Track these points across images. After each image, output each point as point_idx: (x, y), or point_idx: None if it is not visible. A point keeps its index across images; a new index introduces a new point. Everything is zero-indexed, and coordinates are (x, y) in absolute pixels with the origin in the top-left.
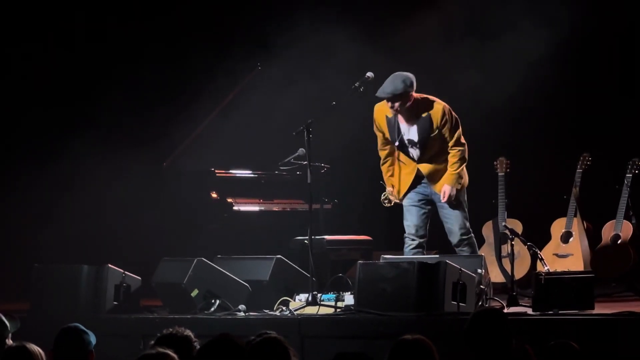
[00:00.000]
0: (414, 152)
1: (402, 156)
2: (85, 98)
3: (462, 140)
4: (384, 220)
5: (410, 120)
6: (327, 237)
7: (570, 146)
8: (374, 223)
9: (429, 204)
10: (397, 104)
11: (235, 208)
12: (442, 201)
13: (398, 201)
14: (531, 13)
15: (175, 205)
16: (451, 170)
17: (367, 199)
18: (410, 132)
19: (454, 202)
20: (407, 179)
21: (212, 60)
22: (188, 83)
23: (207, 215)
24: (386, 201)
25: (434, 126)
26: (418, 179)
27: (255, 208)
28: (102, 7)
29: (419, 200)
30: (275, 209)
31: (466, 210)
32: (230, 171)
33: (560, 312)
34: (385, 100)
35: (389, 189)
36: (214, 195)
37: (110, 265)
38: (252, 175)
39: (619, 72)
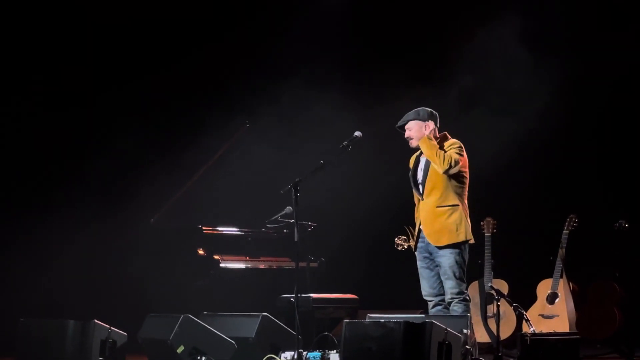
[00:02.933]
0: (420, 187)
1: (415, 195)
2: (73, 156)
3: (460, 163)
4: (370, 279)
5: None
6: (313, 295)
7: (557, 207)
8: (361, 282)
9: (434, 259)
10: (407, 132)
11: (222, 265)
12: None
13: (408, 246)
14: (514, 77)
15: (162, 262)
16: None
17: (354, 257)
18: (422, 165)
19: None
20: (417, 220)
21: (200, 118)
22: (176, 140)
23: (193, 272)
24: (398, 247)
25: None
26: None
27: (241, 265)
28: (95, 64)
29: (425, 259)
30: (261, 266)
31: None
32: (217, 228)
33: None
34: None
35: (403, 238)
36: (201, 252)
37: (96, 321)
38: (239, 233)
39: (603, 134)
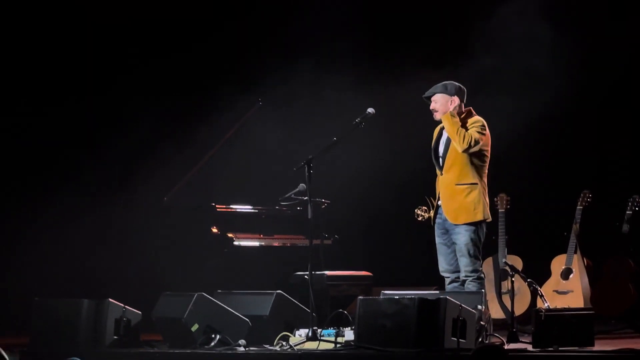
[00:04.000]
0: (440, 161)
1: (437, 170)
2: (88, 137)
3: (480, 142)
4: (384, 256)
5: None
6: (327, 272)
7: (571, 183)
8: (374, 259)
9: (451, 235)
10: (432, 104)
11: (235, 243)
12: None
13: (428, 217)
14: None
15: (175, 240)
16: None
17: (368, 234)
18: (444, 139)
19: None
20: (437, 192)
21: (214, 97)
22: (189, 119)
23: (207, 250)
24: (419, 217)
25: None
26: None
27: (255, 243)
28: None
29: (442, 235)
30: (275, 244)
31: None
32: (231, 206)
33: (560, 348)
34: None
35: (424, 208)
36: (215, 230)
37: (110, 300)
38: (253, 211)
39: (617, 109)
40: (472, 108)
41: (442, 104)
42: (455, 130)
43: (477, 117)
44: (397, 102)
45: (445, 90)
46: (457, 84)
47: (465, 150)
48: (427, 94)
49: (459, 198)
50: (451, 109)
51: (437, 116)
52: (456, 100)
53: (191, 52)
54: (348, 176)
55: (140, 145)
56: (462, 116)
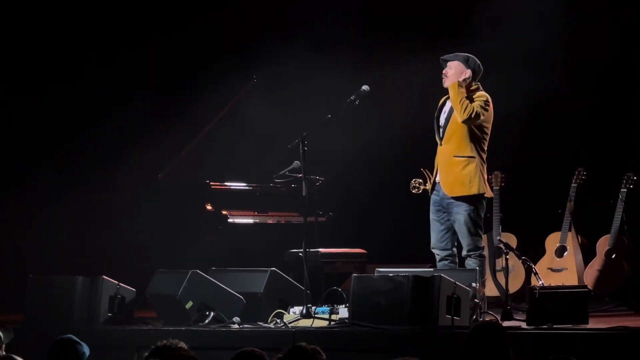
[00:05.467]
0: (441, 131)
1: (437, 140)
2: (81, 113)
3: (481, 117)
4: (378, 234)
5: None
6: (321, 250)
7: (565, 160)
8: (369, 236)
9: (448, 214)
10: (446, 69)
11: (230, 220)
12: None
13: (424, 189)
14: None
15: (170, 218)
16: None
17: (362, 211)
18: (447, 109)
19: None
20: (436, 164)
21: (208, 73)
22: (184, 95)
23: (201, 228)
24: (414, 189)
25: None
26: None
27: (249, 220)
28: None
29: (438, 211)
30: (269, 221)
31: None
32: (225, 183)
33: (554, 326)
34: None
35: (419, 181)
36: (209, 207)
37: (104, 277)
38: (247, 188)
39: (611, 86)
40: (480, 85)
41: (456, 72)
42: (459, 99)
43: (483, 92)
44: (394, 79)
45: (464, 61)
46: (478, 61)
47: (465, 121)
48: (446, 57)
49: (456, 170)
50: (460, 80)
51: (446, 83)
52: (469, 73)
53: (186, 31)
54: (343, 153)
55: (134, 123)
56: (470, 89)
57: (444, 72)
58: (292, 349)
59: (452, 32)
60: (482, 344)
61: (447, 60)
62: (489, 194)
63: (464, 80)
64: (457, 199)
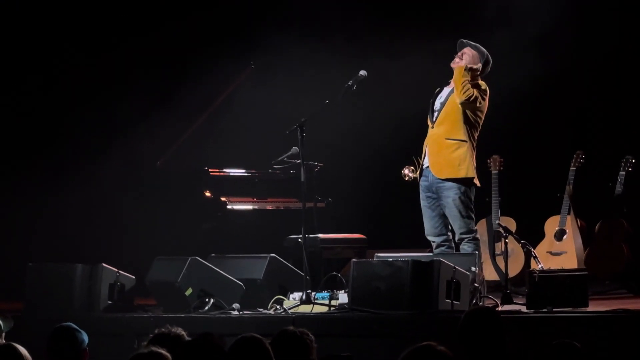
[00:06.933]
0: (435, 114)
1: (429, 123)
2: (80, 101)
3: (477, 104)
4: (378, 219)
5: (451, 86)
6: (321, 235)
7: (564, 144)
8: (368, 221)
9: (438, 198)
10: (460, 53)
11: (228, 207)
12: (452, 65)
13: (414, 177)
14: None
15: (169, 205)
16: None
17: (361, 197)
18: (443, 94)
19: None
20: (424, 149)
21: (205, 60)
22: (181, 83)
23: (200, 214)
24: (406, 177)
25: None
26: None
27: (248, 207)
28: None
29: (428, 198)
30: (268, 207)
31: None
32: (224, 170)
33: (554, 309)
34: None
35: (411, 168)
36: (208, 194)
37: (104, 265)
38: (246, 174)
39: (614, 70)
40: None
41: (468, 60)
42: (462, 81)
43: (483, 83)
44: (391, 67)
45: (481, 55)
46: (491, 60)
47: (463, 103)
48: (467, 42)
49: (446, 152)
50: (470, 66)
51: (460, 63)
52: (480, 67)
53: (184, 19)
54: (341, 139)
55: (133, 111)
56: (473, 78)
57: (457, 54)
58: (280, 333)
59: (453, 14)
60: (476, 329)
61: (466, 45)
62: (476, 179)
63: (473, 69)
64: (446, 181)
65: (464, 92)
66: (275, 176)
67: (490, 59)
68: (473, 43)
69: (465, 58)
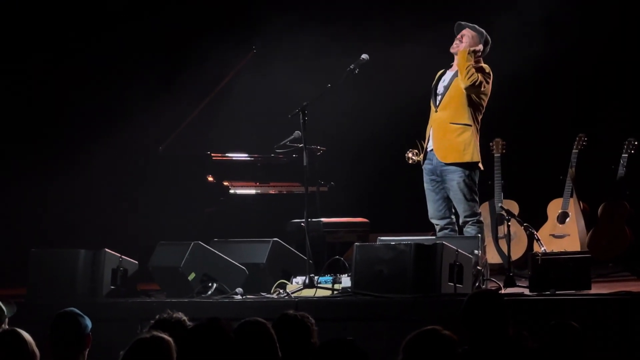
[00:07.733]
0: (439, 98)
1: (432, 107)
2: (83, 86)
3: (481, 88)
4: (380, 203)
5: (454, 70)
6: (323, 219)
7: (566, 126)
8: (371, 205)
9: (442, 182)
10: (460, 35)
11: (231, 191)
12: (453, 50)
13: (418, 160)
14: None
15: (171, 190)
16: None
17: (364, 180)
18: (446, 78)
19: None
20: (427, 133)
21: (208, 44)
22: (183, 67)
23: (203, 199)
24: (410, 161)
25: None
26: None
27: (251, 191)
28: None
29: (431, 181)
30: (271, 191)
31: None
32: (227, 154)
33: (557, 292)
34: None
35: (415, 152)
36: (210, 178)
37: (107, 250)
38: (248, 159)
39: (616, 52)
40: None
41: (468, 42)
42: (466, 66)
43: (487, 66)
44: (395, 51)
45: (480, 36)
46: (490, 40)
47: (468, 87)
48: (465, 23)
49: (451, 137)
50: (472, 49)
51: (455, 49)
52: (480, 47)
53: (186, 3)
54: (344, 122)
55: (136, 95)
56: (476, 60)
57: (457, 37)
58: (281, 317)
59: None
60: (479, 312)
61: (464, 27)
62: (480, 163)
63: (475, 52)
64: (451, 165)
65: (469, 77)
66: (277, 160)
67: (489, 38)
68: (470, 24)
69: (466, 40)
